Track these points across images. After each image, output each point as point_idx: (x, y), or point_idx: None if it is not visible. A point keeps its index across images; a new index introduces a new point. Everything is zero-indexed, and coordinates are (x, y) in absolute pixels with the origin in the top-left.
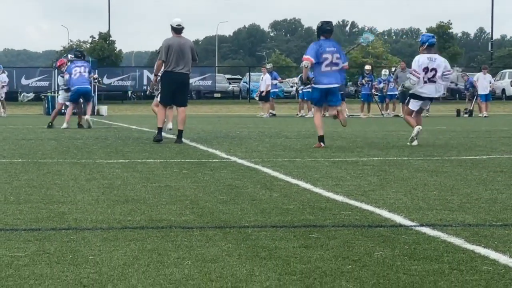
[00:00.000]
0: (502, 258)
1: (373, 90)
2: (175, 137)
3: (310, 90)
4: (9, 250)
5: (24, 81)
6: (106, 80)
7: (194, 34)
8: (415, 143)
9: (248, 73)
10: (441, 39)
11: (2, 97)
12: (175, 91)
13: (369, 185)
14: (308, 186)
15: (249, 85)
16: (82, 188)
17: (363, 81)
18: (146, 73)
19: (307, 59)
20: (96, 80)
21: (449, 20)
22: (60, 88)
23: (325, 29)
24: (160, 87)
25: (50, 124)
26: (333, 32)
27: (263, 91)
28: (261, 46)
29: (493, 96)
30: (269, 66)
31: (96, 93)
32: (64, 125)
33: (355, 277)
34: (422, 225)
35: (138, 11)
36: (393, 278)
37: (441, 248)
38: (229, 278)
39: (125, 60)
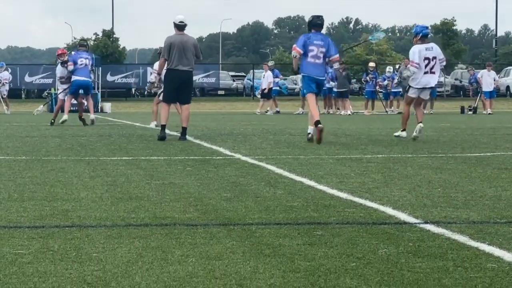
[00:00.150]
0: (507, 256)
1: (377, 87)
2: (179, 134)
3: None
4: (12, 247)
5: (27, 79)
6: (109, 77)
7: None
8: (404, 134)
9: (252, 70)
10: (445, 36)
11: (4, 94)
12: (179, 88)
13: (373, 182)
14: (312, 183)
15: (253, 82)
16: (85, 185)
17: (367, 78)
18: (149, 70)
19: (296, 50)
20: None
21: (453, 17)
22: (58, 78)
23: (316, 23)
24: (162, 85)
25: (52, 121)
26: (323, 26)
27: (265, 89)
28: (265, 43)
29: (497, 93)
30: (270, 63)
31: (99, 90)
32: (64, 117)
33: (359, 274)
34: (426, 222)
35: (142, 8)
36: (397, 276)
37: (445, 245)
38: (233, 275)
39: (128, 57)
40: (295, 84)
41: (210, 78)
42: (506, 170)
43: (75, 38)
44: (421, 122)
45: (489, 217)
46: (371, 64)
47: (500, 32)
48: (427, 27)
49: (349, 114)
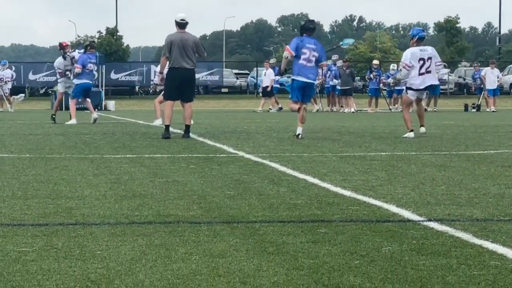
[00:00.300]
0: (510, 253)
1: (381, 85)
2: (183, 132)
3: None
4: (16, 245)
5: (31, 76)
6: (113, 75)
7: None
8: (411, 134)
9: (255, 68)
10: (449, 34)
11: (6, 93)
12: (181, 86)
13: (377, 180)
14: (315, 181)
15: (257, 80)
16: (89, 183)
17: (371, 75)
18: (153, 68)
19: (288, 51)
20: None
21: (457, 15)
22: (57, 69)
23: (308, 27)
24: (164, 84)
25: (53, 116)
26: (315, 30)
27: (267, 86)
28: (269, 41)
29: (501, 91)
30: (272, 61)
31: (103, 88)
32: (73, 121)
33: (363, 272)
34: (430, 220)
35: (146, 6)
36: (401, 273)
37: (449, 243)
38: (236, 273)
39: (132, 55)
40: None
41: (214, 76)
42: (509, 168)
43: (78, 36)
44: (423, 125)
45: (492, 214)
46: (375, 61)
47: (504, 30)
48: (423, 30)
49: (353, 112)
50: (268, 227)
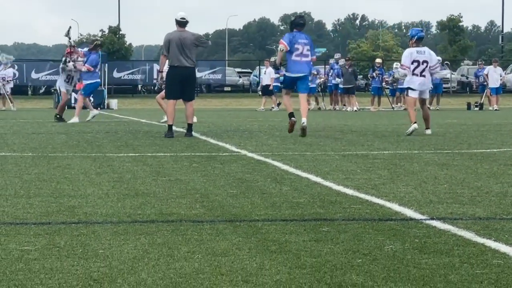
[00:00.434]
0: None
1: (384, 83)
2: (185, 131)
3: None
4: (19, 244)
5: (34, 75)
6: (116, 74)
7: (204, 28)
8: (415, 126)
9: (258, 67)
10: (452, 32)
11: (7, 92)
12: (181, 85)
13: (379, 179)
14: (318, 179)
15: (259, 78)
16: (92, 182)
17: (374, 74)
18: (156, 66)
19: (283, 44)
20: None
21: (460, 13)
22: (64, 73)
23: (298, 22)
24: (165, 83)
25: (58, 116)
26: (305, 25)
27: (269, 85)
28: (271, 40)
29: (503, 89)
30: (273, 59)
31: (106, 86)
32: (75, 119)
33: (365, 270)
34: (432, 219)
35: (148, 4)
36: (403, 272)
37: (451, 241)
38: (239, 271)
39: (135, 53)
40: None
41: (216, 74)
42: None
43: (81, 35)
44: (429, 128)
45: (495, 213)
46: (378, 60)
47: (507, 28)
48: (422, 30)
49: (355, 110)
50: (270, 225)
